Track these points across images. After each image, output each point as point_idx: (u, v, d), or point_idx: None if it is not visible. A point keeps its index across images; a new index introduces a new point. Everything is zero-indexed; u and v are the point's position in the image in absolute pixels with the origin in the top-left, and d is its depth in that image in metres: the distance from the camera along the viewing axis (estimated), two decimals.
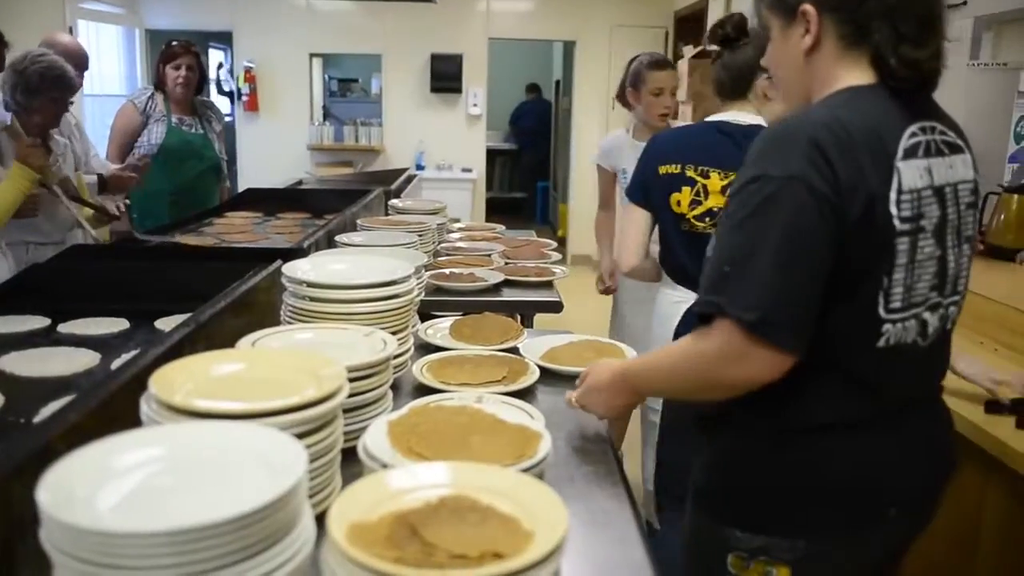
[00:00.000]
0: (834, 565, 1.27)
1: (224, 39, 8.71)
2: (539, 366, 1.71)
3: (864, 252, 1.16)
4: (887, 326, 1.20)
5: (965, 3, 3.40)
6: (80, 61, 3.26)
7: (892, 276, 1.18)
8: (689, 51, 6.48)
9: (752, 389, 1.19)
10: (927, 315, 1.24)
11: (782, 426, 1.26)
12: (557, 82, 10.49)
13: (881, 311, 1.19)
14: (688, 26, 7.10)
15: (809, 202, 1.12)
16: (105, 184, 3.25)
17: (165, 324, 1.82)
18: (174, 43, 3.82)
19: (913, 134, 1.20)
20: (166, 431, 0.90)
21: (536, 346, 1.85)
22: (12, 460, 0.89)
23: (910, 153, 1.19)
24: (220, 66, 9.48)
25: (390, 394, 1.36)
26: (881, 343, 1.21)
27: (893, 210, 1.16)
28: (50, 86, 2.81)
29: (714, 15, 6.57)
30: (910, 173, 1.18)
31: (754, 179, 1.16)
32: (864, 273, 1.18)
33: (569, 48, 8.81)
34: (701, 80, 6.17)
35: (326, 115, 9.04)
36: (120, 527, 0.71)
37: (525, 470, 1.05)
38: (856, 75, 1.23)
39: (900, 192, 1.17)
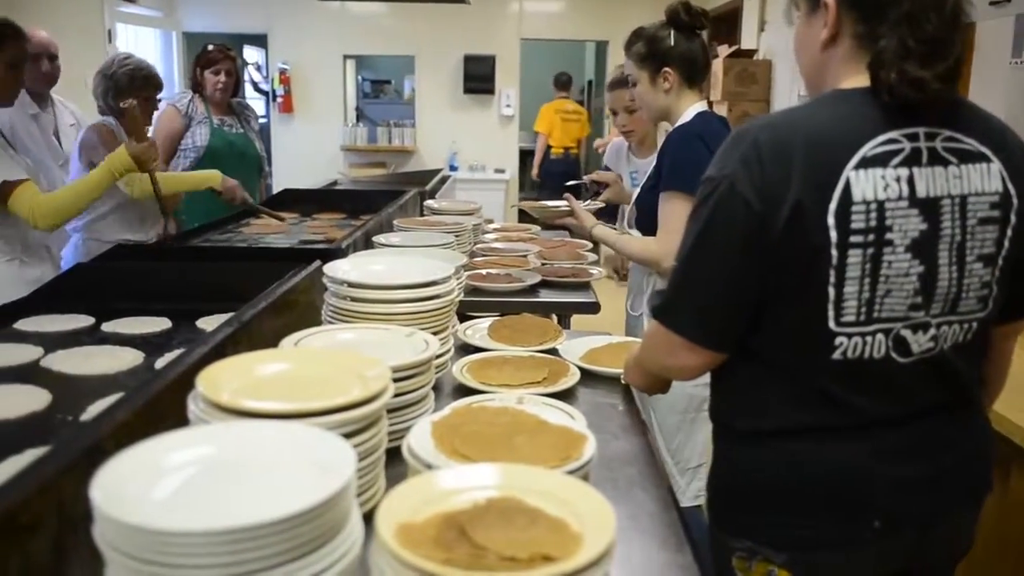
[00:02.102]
0: None
1: (259, 41, 8.80)
2: (579, 367, 1.70)
3: (795, 260, 1.14)
4: (840, 339, 1.17)
5: (1009, 0, 3.34)
6: (55, 53, 3.41)
7: (842, 289, 1.14)
8: (723, 51, 6.45)
9: (683, 377, 1.35)
10: (906, 333, 1.18)
11: (754, 428, 1.26)
12: (589, 82, 10.47)
13: (831, 324, 1.16)
14: (722, 26, 7.05)
15: (730, 201, 1.15)
16: None
17: (207, 323, 1.83)
18: (211, 48, 3.85)
19: (889, 141, 1.14)
20: (215, 430, 0.90)
21: (575, 347, 1.84)
22: (64, 458, 0.90)
23: (873, 162, 1.13)
24: (258, 67, 9.56)
25: (432, 395, 1.36)
26: (836, 355, 1.17)
27: (830, 220, 1.12)
28: (140, 86, 2.97)
29: (749, 14, 6.51)
30: (866, 183, 1.12)
31: (703, 180, 1.21)
32: (802, 282, 1.15)
33: (602, 48, 8.80)
34: (736, 81, 6.16)
35: (359, 116, 9.11)
36: (172, 525, 0.71)
37: (570, 472, 1.04)
38: (858, 78, 1.19)
39: (845, 203, 1.12)
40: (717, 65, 6.00)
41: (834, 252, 1.13)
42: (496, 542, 0.80)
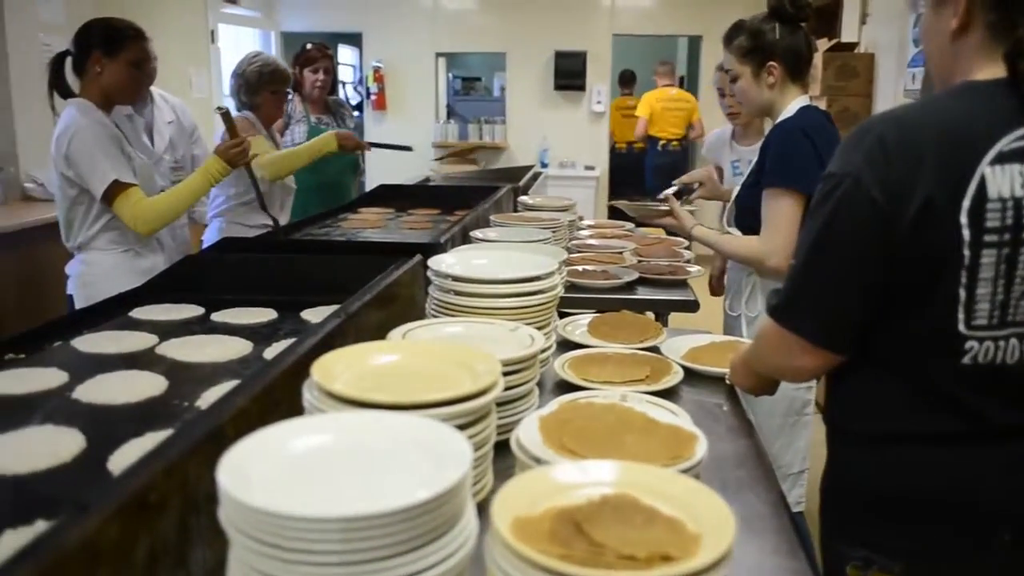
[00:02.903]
0: None
1: (353, 40, 8.96)
2: (682, 366, 1.67)
3: (923, 260, 1.09)
4: (971, 343, 1.11)
5: None
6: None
7: (974, 290, 1.09)
8: (822, 44, 6.27)
9: (799, 379, 1.37)
10: None
11: (873, 433, 1.22)
12: (681, 78, 10.31)
13: (961, 327, 1.11)
14: (822, 18, 6.85)
15: (854, 198, 1.11)
16: None
17: (311, 315, 1.87)
18: (310, 47, 3.94)
19: None
20: (334, 419, 0.91)
21: (677, 346, 1.81)
22: (187, 441, 0.92)
23: (1010, 158, 1.07)
24: (356, 83, 9.73)
25: (536, 390, 1.36)
26: (966, 360, 1.12)
27: (962, 218, 1.06)
28: (268, 81, 3.18)
29: (850, 7, 6.31)
30: (1003, 179, 1.07)
31: (824, 176, 1.17)
32: (930, 282, 1.10)
33: (695, 43, 8.66)
34: (836, 75, 5.97)
35: (450, 113, 9.18)
36: (296, 510, 0.73)
37: (682, 472, 1.02)
38: (993, 69, 1.13)
39: (980, 199, 1.06)
40: (816, 59, 5.82)
41: (966, 252, 1.07)
42: (614, 540, 0.79)
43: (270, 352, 1.61)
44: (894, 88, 5.20)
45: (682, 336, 1.91)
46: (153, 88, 3.36)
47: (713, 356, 1.75)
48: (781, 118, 2.22)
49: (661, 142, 8.15)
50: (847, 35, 6.28)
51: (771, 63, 2.21)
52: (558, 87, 8.15)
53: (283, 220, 3.31)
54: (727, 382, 1.62)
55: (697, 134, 8.27)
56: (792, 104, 2.23)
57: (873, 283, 1.13)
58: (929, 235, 1.08)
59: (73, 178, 2.44)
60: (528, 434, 1.10)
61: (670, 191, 2.63)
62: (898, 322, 1.15)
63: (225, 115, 2.68)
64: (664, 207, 2.62)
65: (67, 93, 2.59)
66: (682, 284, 2.60)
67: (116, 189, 2.42)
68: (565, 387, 1.55)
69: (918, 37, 4.54)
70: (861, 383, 1.22)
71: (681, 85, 10.22)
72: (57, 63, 2.57)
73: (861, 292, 1.14)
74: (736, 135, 3.19)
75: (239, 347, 1.65)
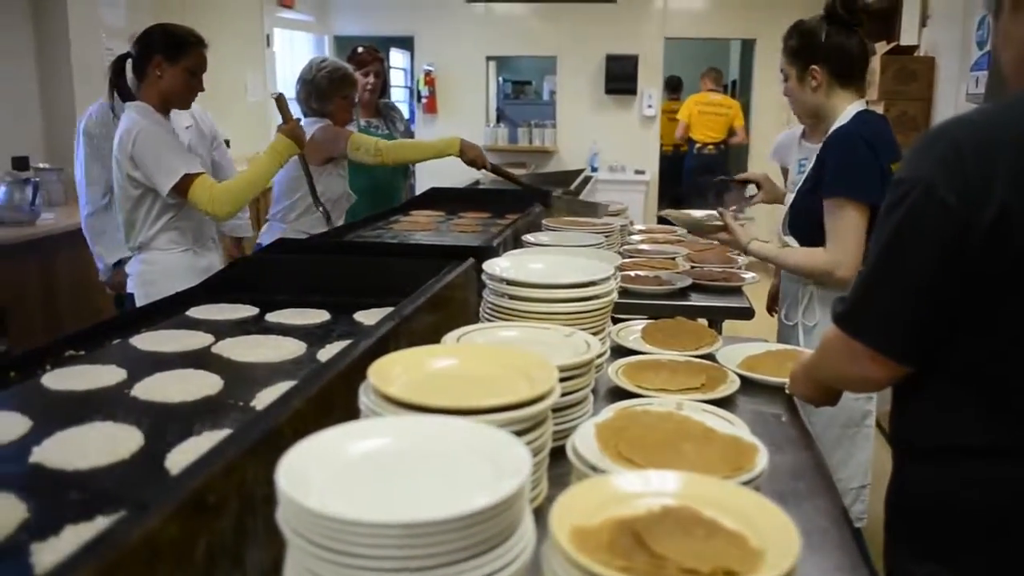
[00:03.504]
0: None
1: (405, 44, 9.02)
2: (738, 374, 1.64)
3: (998, 268, 1.05)
4: None
5: None
6: None
7: None
8: (881, 47, 6.14)
9: (864, 390, 1.35)
10: None
11: (943, 447, 1.18)
12: (733, 82, 10.21)
13: None
14: (879, 21, 6.71)
15: (926, 205, 1.07)
16: None
17: (364, 317, 1.87)
18: (361, 50, 3.96)
19: None
20: (392, 423, 0.91)
21: (732, 354, 1.77)
22: (245, 442, 0.93)
23: None
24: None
25: (591, 397, 1.34)
26: None
27: None
28: (339, 86, 3.22)
29: (910, 9, 6.18)
30: None
31: (894, 183, 1.13)
32: (1007, 291, 1.06)
33: (748, 46, 8.56)
34: (895, 79, 5.85)
35: (500, 117, 9.19)
36: (354, 515, 0.72)
37: (742, 484, 1.00)
38: None
39: None
40: (874, 62, 5.71)
41: None
42: (675, 552, 0.77)
43: (323, 354, 1.62)
44: (955, 92, 5.07)
45: (737, 344, 1.87)
46: None
47: (770, 365, 1.71)
48: (837, 124, 2.17)
49: (697, 145, 8.22)
50: (906, 38, 6.15)
51: (814, 66, 2.17)
52: (609, 91, 8.12)
53: (339, 220, 3.33)
54: (786, 392, 1.58)
55: (739, 140, 8.32)
56: (848, 110, 2.18)
57: (944, 293, 1.09)
58: (1005, 242, 1.04)
59: (138, 178, 2.49)
60: (584, 441, 1.08)
61: (727, 212, 2.57)
62: (970, 332, 1.11)
63: (279, 100, 2.69)
64: (718, 221, 2.57)
65: (127, 96, 2.64)
66: (736, 291, 2.56)
67: (187, 181, 2.46)
68: (619, 394, 1.53)
69: (983, 40, 4.42)
70: (932, 396, 1.18)
71: (729, 91, 10.12)
72: (118, 65, 2.62)
73: (932, 302, 1.10)
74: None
75: (293, 348, 1.66)
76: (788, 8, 7.55)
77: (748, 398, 1.60)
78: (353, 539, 0.71)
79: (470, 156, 3.30)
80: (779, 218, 2.53)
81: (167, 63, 2.54)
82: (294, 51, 7.82)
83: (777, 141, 3.35)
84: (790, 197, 2.37)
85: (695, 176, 8.05)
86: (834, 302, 1.23)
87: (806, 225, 2.19)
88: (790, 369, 1.60)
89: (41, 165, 4.44)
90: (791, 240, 2.28)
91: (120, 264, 3.17)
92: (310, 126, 3.17)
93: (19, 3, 4.58)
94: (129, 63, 2.61)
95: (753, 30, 7.99)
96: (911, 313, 1.13)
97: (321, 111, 3.25)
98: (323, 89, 3.19)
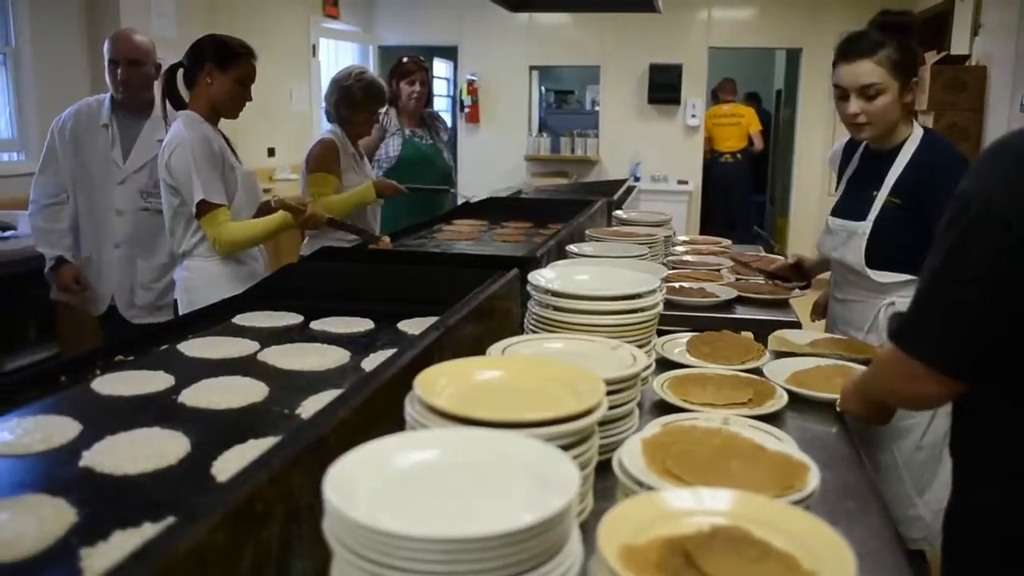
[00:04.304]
0: None
1: (447, 54, 9.07)
2: (787, 390, 1.61)
3: None
4: None
5: None
6: (135, 58, 3.07)
7: None
8: (930, 57, 6.03)
9: (919, 407, 1.33)
10: None
11: (1005, 464, 1.15)
12: (778, 91, 10.09)
13: None
14: (930, 30, 6.60)
15: (986, 220, 1.05)
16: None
17: (407, 326, 1.88)
18: (406, 59, 3.99)
19: None
20: (439, 435, 0.90)
21: (779, 368, 1.74)
22: (291, 451, 0.93)
23: None
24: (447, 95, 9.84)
25: (636, 411, 1.32)
26: None
27: None
28: (371, 101, 3.23)
29: (961, 17, 6.07)
30: None
31: (956, 196, 1.12)
32: None
33: (793, 56, 8.46)
34: (945, 89, 5.74)
35: (542, 127, 9.20)
36: (401, 529, 0.71)
37: (793, 503, 0.97)
38: None
39: None
40: (923, 72, 5.61)
41: None
42: (727, 573, 0.75)
43: (368, 362, 1.62)
44: (1009, 102, 4.97)
45: (785, 359, 1.84)
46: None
47: (819, 381, 1.68)
48: (915, 143, 2.10)
49: (716, 154, 8.55)
50: (957, 47, 6.04)
51: (916, 79, 2.10)
52: (652, 100, 8.08)
53: (376, 229, 3.34)
54: (837, 409, 1.55)
55: (757, 147, 8.62)
56: (916, 127, 2.12)
57: (1004, 310, 1.06)
58: None
59: (174, 186, 2.53)
60: (631, 457, 1.06)
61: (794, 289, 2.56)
62: None
63: (279, 204, 2.62)
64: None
65: (179, 104, 2.68)
66: (783, 304, 2.52)
67: (204, 208, 2.50)
68: (664, 408, 1.51)
69: None
70: (995, 416, 1.15)
71: (777, 99, 10.01)
72: (170, 75, 2.67)
73: (990, 320, 1.08)
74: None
75: (337, 356, 1.66)
76: (835, 17, 7.49)
77: (797, 414, 1.57)
78: (399, 552, 0.71)
79: (387, 193, 3.26)
80: (811, 233, 2.46)
81: (218, 71, 2.58)
82: (338, 61, 7.90)
83: (833, 151, 3.29)
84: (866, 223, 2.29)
85: (717, 185, 8.43)
86: (890, 318, 1.21)
87: (892, 251, 2.09)
88: (839, 385, 1.57)
89: None
90: (863, 268, 2.15)
91: (61, 263, 3.07)
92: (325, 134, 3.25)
93: (74, 11, 4.70)
94: (180, 72, 2.65)
95: (799, 39, 7.90)
96: (968, 331, 1.10)
97: (348, 118, 3.25)
98: (357, 99, 3.20)
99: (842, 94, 2.15)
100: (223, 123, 2.72)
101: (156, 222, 2.94)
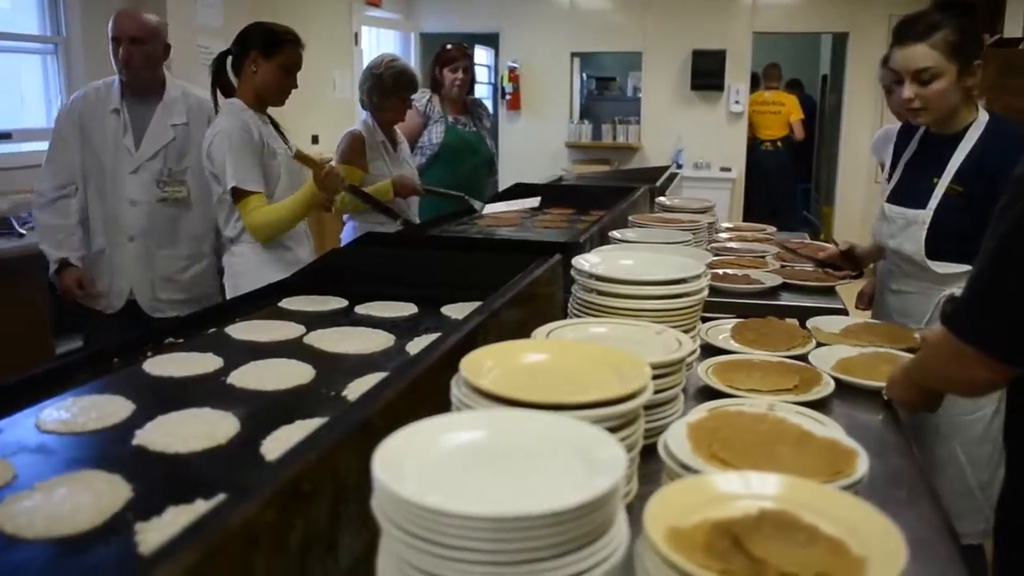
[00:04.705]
0: None
1: (488, 41, 9.06)
2: (833, 377, 1.59)
3: None
4: None
5: None
6: (137, 36, 2.85)
7: None
8: (984, 40, 5.88)
9: (970, 393, 1.30)
10: None
11: None
12: (824, 77, 9.92)
13: None
14: (983, 11, 6.43)
15: None
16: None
17: (451, 311, 1.89)
18: (450, 47, 3.99)
19: None
20: (486, 416, 0.91)
21: (826, 355, 1.72)
22: (339, 431, 0.94)
23: None
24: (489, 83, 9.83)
25: (682, 395, 1.32)
26: None
27: None
28: (402, 88, 3.29)
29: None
30: None
31: (1012, 181, 1.11)
32: None
33: (839, 41, 8.31)
34: (999, 72, 5.59)
35: (584, 114, 9.15)
36: (448, 507, 0.72)
37: (842, 489, 0.96)
38: None
39: None
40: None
41: None
42: (775, 557, 0.75)
43: (412, 346, 1.64)
44: None
45: (831, 346, 1.81)
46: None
47: (865, 368, 1.66)
48: (980, 129, 2.04)
49: (757, 142, 8.42)
50: (1011, 29, 5.88)
51: (978, 61, 2.01)
52: (695, 87, 7.99)
53: (413, 216, 3.36)
54: (884, 396, 1.52)
55: (797, 136, 8.47)
56: (981, 111, 2.06)
57: None
58: None
59: (215, 174, 2.56)
60: (676, 441, 1.06)
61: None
62: None
63: (298, 156, 2.66)
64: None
65: (229, 91, 2.71)
66: (829, 291, 2.48)
67: (237, 195, 2.52)
68: (708, 393, 1.51)
69: None
70: None
71: (823, 84, 9.85)
72: (219, 62, 2.70)
73: None
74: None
75: (381, 340, 1.68)
76: (883, 0, 7.33)
77: (843, 402, 1.55)
78: (446, 530, 0.71)
79: (405, 192, 3.25)
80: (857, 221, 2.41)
81: (263, 58, 2.60)
82: (380, 48, 7.93)
83: (876, 138, 3.22)
84: (885, 187, 2.27)
85: (758, 173, 8.28)
86: (944, 303, 1.19)
87: (955, 241, 2.01)
88: (886, 373, 1.55)
89: None
90: (924, 259, 2.09)
91: (65, 266, 2.88)
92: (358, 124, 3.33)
93: (123, 1, 4.76)
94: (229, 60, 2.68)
95: (846, 23, 7.75)
96: (1022, 315, 1.07)
97: (379, 106, 3.31)
98: (388, 86, 3.25)
99: (897, 78, 2.10)
100: (272, 110, 2.74)
101: (176, 212, 2.90)
